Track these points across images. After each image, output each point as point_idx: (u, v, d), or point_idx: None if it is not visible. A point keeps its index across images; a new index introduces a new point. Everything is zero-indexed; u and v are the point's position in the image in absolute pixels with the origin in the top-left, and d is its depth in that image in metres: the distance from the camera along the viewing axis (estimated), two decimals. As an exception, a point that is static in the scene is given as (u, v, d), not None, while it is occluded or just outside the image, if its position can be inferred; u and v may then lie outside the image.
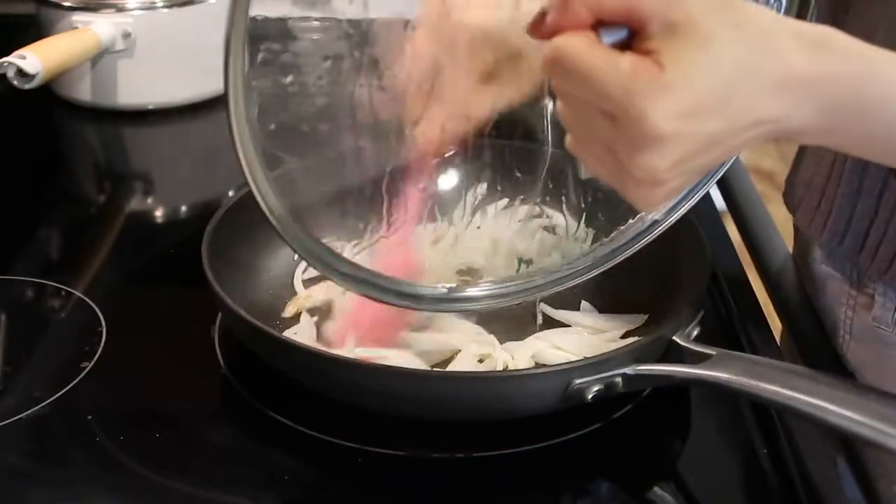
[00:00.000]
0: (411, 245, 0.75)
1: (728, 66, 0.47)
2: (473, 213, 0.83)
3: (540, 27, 0.50)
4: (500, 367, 0.70)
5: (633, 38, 0.48)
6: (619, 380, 0.64)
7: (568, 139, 0.53)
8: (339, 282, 0.66)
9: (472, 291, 0.72)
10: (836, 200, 0.73)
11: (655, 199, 0.51)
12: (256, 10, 0.55)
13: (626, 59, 0.47)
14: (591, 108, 0.49)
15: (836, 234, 0.73)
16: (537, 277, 0.73)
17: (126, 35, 1.06)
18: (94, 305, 0.79)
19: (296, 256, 0.75)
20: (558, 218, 0.81)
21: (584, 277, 0.72)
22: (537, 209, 0.82)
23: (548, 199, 0.82)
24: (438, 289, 0.70)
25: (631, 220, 0.72)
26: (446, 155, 0.72)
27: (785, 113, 0.49)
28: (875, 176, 0.70)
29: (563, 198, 0.80)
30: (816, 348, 0.78)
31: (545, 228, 0.82)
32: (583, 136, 0.51)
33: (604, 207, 0.77)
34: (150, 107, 1.11)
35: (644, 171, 0.49)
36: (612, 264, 0.72)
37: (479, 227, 0.82)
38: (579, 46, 0.48)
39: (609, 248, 0.72)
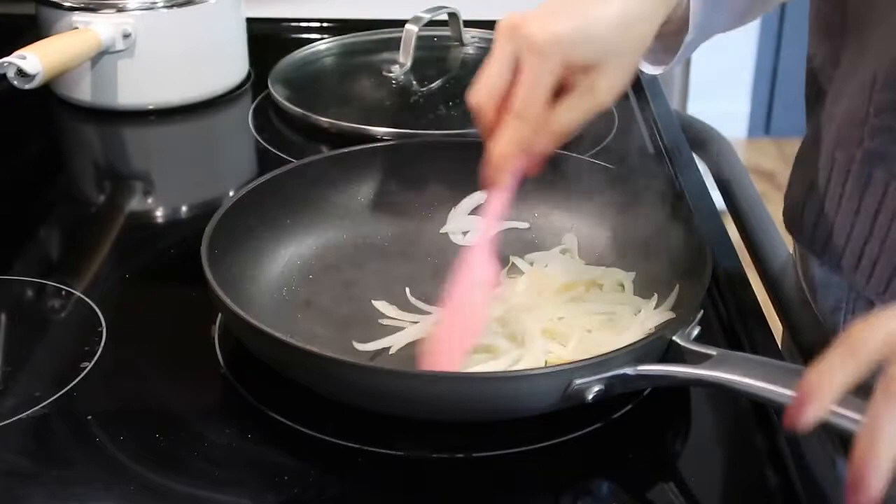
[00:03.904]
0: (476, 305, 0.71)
1: None
2: None
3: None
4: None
5: None
6: (619, 380, 0.64)
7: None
8: None
9: None
10: (835, 221, 0.72)
11: None
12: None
13: None
14: None
15: (836, 253, 0.73)
16: None
17: (126, 35, 1.06)
18: (94, 305, 0.79)
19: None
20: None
21: None
22: None
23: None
24: None
25: None
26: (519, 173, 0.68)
27: None
28: (874, 196, 0.69)
29: None
30: (816, 348, 0.78)
31: None
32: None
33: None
34: (150, 107, 1.11)
35: None
36: None
37: None
38: None
39: None
